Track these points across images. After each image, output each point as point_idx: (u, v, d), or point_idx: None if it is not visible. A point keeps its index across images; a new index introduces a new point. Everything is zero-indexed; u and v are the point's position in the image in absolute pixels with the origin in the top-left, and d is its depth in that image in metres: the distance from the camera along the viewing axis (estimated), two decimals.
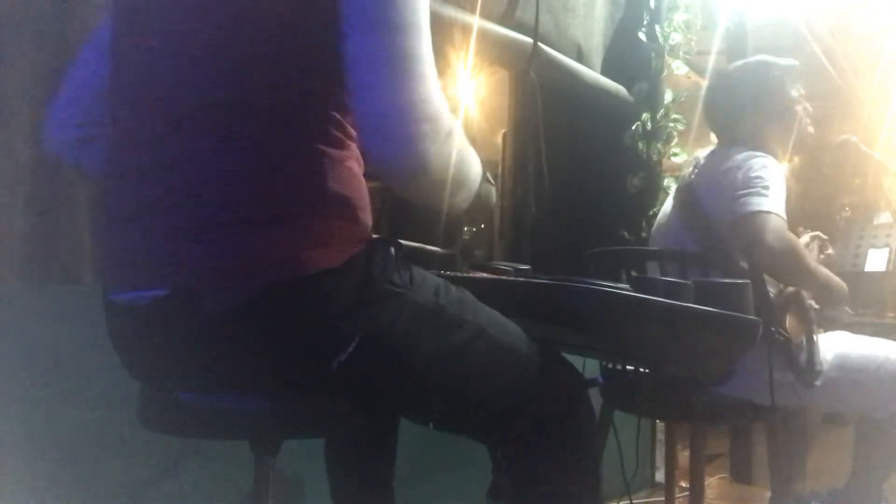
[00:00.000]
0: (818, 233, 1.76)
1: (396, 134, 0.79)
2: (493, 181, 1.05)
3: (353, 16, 0.80)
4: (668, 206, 1.80)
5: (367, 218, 0.91)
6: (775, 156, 1.62)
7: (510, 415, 0.93)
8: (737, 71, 1.80)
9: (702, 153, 1.75)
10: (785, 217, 1.45)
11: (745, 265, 1.44)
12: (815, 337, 1.50)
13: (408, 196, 0.91)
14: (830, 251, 1.80)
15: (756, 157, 1.54)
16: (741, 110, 1.70)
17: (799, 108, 1.72)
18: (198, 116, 0.81)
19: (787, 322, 1.45)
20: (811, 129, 1.74)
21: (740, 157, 1.55)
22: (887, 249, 2.95)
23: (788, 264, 1.44)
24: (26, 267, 1.34)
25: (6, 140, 1.32)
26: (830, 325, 1.67)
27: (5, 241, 1.32)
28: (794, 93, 1.72)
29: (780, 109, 1.70)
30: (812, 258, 1.63)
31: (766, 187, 1.46)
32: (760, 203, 1.43)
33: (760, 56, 1.78)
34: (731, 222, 1.47)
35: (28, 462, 1.28)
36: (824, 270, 1.57)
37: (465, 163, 0.89)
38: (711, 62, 2.77)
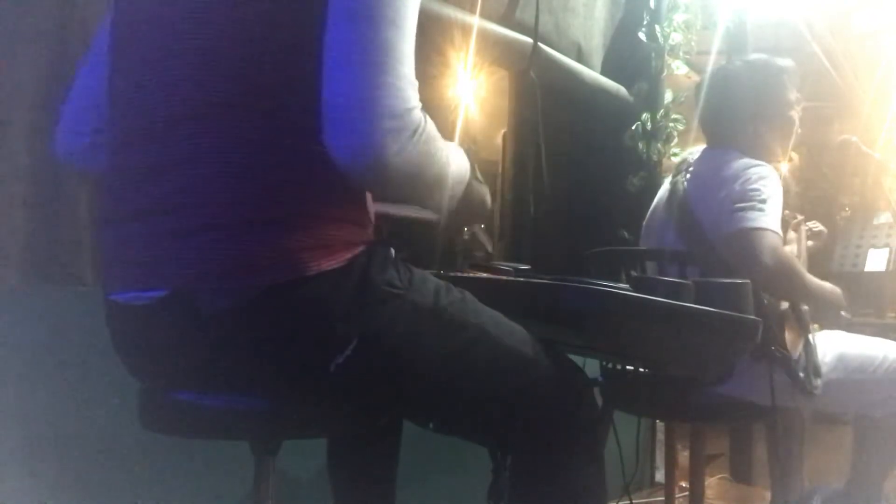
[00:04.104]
0: (801, 217, 1.74)
1: (356, 125, 0.76)
2: (482, 180, 1.03)
3: (336, 7, 0.79)
4: (658, 204, 1.77)
5: (368, 219, 0.91)
6: (770, 160, 1.60)
7: (514, 417, 0.93)
8: (738, 70, 1.73)
9: (691, 155, 1.73)
10: (781, 232, 1.43)
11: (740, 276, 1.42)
12: (812, 340, 1.50)
13: (372, 192, 0.90)
14: (819, 227, 1.79)
15: (754, 165, 1.51)
16: (740, 111, 1.65)
17: (794, 113, 1.68)
18: (196, 117, 0.81)
19: (786, 337, 1.45)
20: (798, 130, 1.72)
21: (738, 165, 1.52)
22: (887, 249, 2.95)
23: (785, 282, 1.43)
24: (26, 267, 1.34)
25: (6, 141, 1.32)
26: (827, 323, 1.67)
27: (5, 241, 1.32)
28: (792, 96, 1.68)
29: (779, 113, 1.66)
30: (801, 246, 1.62)
31: (763, 201, 1.43)
32: (756, 219, 1.41)
33: (761, 55, 1.73)
34: (725, 237, 1.45)
35: (28, 462, 1.28)
36: (819, 283, 1.54)
37: (438, 165, 0.85)
38: (711, 62, 2.76)
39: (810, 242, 1.79)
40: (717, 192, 1.51)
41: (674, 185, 1.68)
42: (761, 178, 1.48)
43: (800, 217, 1.73)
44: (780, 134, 1.67)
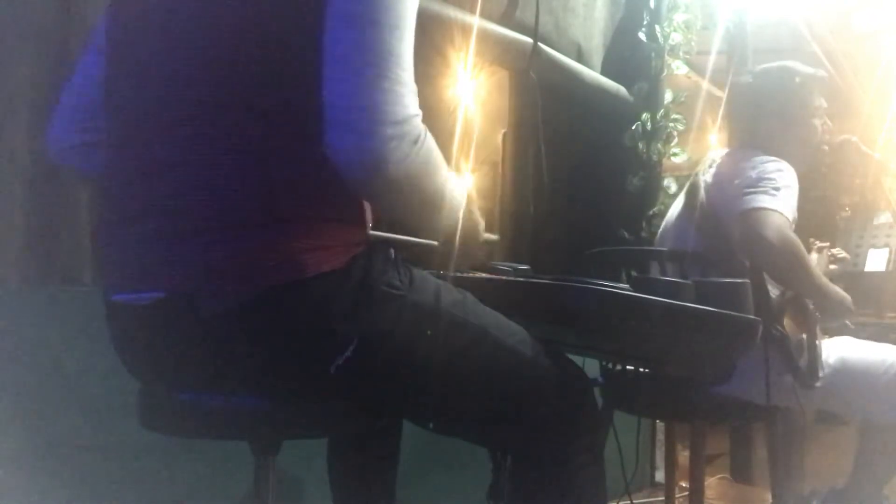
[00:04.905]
0: (826, 244, 1.76)
1: (358, 129, 0.76)
2: (478, 214, 1.01)
3: (336, 10, 0.78)
4: (676, 206, 1.80)
5: (367, 220, 0.91)
6: (790, 163, 1.61)
7: (514, 417, 0.93)
8: (762, 73, 1.77)
9: (717, 154, 1.75)
10: (790, 218, 1.44)
11: (746, 263, 1.43)
12: (816, 340, 1.50)
13: (368, 199, 0.88)
14: (843, 255, 1.80)
15: (772, 160, 1.54)
16: (762, 113, 1.69)
17: (818, 121, 1.71)
18: (196, 118, 0.81)
19: (785, 321, 1.45)
20: (826, 147, 1.74)
21: (756, 159, 1.55)
22: (887, 249, 2.95)
23: (788, 263, 1.43)
24: (26, 267, 1.34)
25: (6, 141, 1.32)
26: (834, 330, 1.67)
27: (5, 241, 1.32)
28: (816, 103, 1.70)
29: (799, 118, 1.69)
30: (821, 266, 1.63)
31: (777, 188, 1.46)
32: (765, 201, 1.43)
33: (788, 62, 1.74)
34: (735, 218, 1.46)
35: (27, 462, 1.28)
36: (826, 280, 1.55)
37: (438, 179, 0.85)
38: (711, 62, 2.77)
39: (833, 266, 1.81)
40: (734, 180, 1.54)
41: (694, 182, 1.70)
42: (779, 170, 1.51)
43: (824, 243, 1.75)
44: (799, 137, 1.70)
